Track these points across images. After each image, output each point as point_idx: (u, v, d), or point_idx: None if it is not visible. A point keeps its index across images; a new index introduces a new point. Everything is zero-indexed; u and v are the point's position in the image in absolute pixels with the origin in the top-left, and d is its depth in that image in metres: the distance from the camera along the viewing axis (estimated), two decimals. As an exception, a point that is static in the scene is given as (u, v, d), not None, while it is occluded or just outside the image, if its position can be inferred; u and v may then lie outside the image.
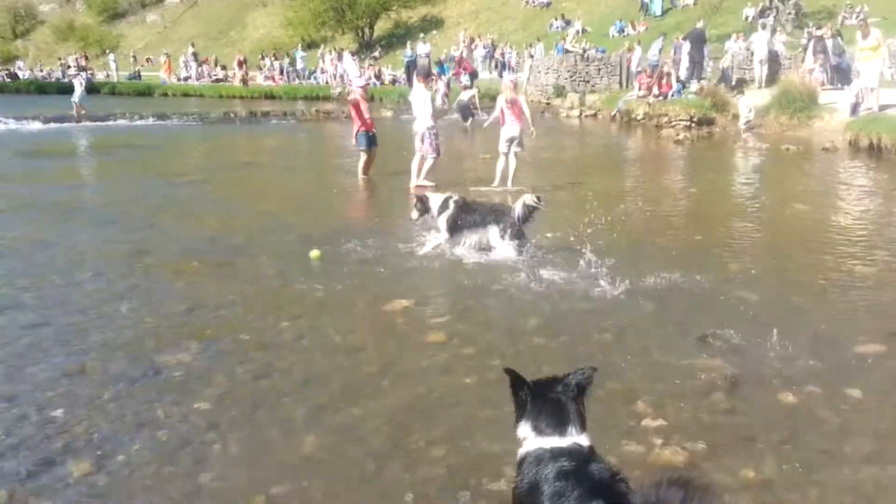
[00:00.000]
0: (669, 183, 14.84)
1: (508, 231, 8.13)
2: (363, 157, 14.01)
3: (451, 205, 8.33)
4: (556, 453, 2.63)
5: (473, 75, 30.85)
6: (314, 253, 7.92)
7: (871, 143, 17.81)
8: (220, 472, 4.02)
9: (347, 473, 4.02)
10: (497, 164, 12.82)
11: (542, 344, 5.84)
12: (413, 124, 13.32)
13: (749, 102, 21.83)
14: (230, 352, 5.67)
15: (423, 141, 12.98)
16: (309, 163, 18.22)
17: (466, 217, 8.32)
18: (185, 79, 43.12)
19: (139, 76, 45.28)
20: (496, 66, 37.78)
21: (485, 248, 8.34)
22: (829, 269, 7.93)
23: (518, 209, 8.19)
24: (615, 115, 27.54)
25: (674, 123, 24.32)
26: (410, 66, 34.48)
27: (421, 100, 13.14)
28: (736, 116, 22.96)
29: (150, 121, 26.01)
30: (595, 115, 29.16)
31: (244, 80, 39.67)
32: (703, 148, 20.34)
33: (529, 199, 8.20)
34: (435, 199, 8.49)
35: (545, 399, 2.77)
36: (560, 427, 2.70)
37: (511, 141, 12.54)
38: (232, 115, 28.32)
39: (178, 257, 8.35)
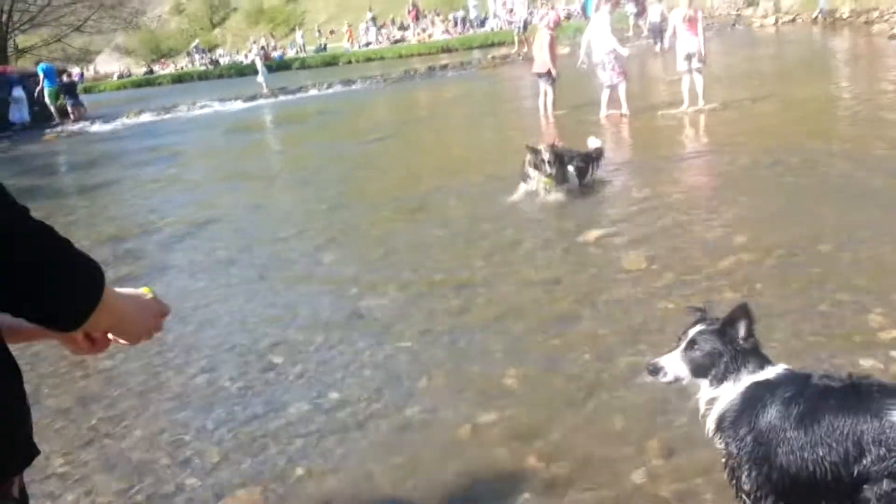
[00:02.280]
0: (882, 88, 13.14)
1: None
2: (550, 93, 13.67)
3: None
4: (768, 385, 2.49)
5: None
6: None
7: None
8: (426, 405, 4.07)
9: (552, 401, 3.92)
10: (682, 85, 12.04)
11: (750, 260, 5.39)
12: (592, 53, 12.66)
13: None
14: (427, 293, 5.74)
15: (604, 69, 12.38)
16: (489, 108, 18.13)
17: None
18: (367, 44, 44.53)
19: (325, 48, 47.36)
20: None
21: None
22: None
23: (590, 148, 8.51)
24: (816, 17, 24.92)
25: (887, 17, 21.60)
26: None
27: (600, 25, 12.47)
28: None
29: (338, 87, 27.11)
30: (793, 20, 26.60)
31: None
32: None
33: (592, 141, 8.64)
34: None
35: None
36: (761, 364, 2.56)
37: (690, 57, 11.71)
38: (412, 72, 28.84)
39: (371, 209, 8.63)
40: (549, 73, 13.42)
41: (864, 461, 2.24)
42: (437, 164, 10.96)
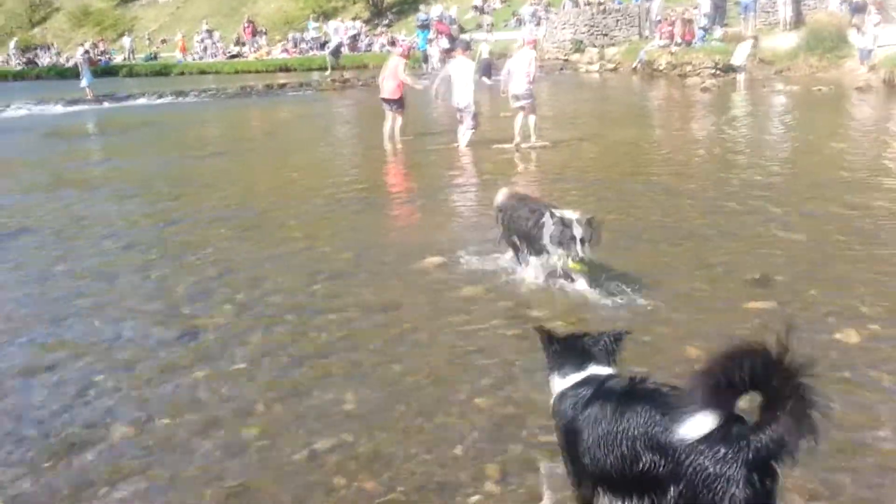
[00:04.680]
0: (700, 131, 14.47)
1: None
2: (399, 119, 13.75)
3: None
4: (577, 385, 2.72)
5: (451, 38, 30.22)
6: None
7: (905, 80, 17.27)
8: (262, 430, 3.94)
9: (392, 427, 3.92)
10: (515, 122, 12.56)
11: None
12: (454, 99, 12.67)
13: (743, 48, 21.26)
14: (264, 314, 5.58)
15: (467, 117, 12.56)
16: (329, 130, 18.04)
17: None
18: (201, 57, 42.95)
19: (156, 57, 45.16)
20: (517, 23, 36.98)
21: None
22: (880, 209, 7.66)
23: None
24: (636, 66, 26.93)
25: (698, 71, 23.75)
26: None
27: (464, 72, 12.56)
28: (763, 61, 22.42)
29: (169, 98, 25.97)
30: (616, 69, 28.54)
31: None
32: (730, 94, 19.85)
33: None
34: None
35: (570, 348, 2.86)
36: (580, 366, 2.78)
37: (517, 98, 12.26)
38: (249, 89, 28.16)
39: (205, 225, 8.29)
40: (396, 100, 13.52)
41: (641, 464, 2.33)
42: (276, 184, 10.73)
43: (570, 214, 5.50)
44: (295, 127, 18.80)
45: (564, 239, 5.41)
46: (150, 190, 10.70)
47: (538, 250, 5.70)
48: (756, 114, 16.71)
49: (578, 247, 5.37)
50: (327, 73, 30.36)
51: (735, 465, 2.13)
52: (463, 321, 5.24)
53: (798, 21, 24.51)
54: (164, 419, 4.10)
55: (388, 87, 13.62)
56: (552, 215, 5.51)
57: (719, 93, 20.12)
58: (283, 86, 28.77)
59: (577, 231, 5.36)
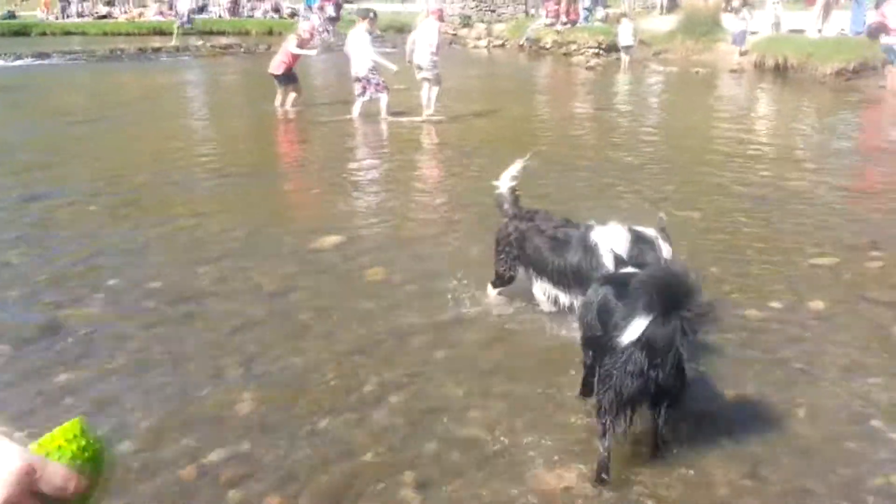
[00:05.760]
0: (589, 109, 14.57)
1: None
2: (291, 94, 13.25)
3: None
4: None
5: (338, 7, 29.67)
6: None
7: (776, 63, 18.06)
8: (143, 441, 3.44)
9: (293, 431, 3.51)
10: (422, 94, 12.28)
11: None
12: (352, 67, 12.20)
13: (627, 28, 21.75)
14: (142, 303, 4.98)
15: (368, 86, 12.05)
16: (211, 98, 17.02)
17: None
18: (67, 16, 39.82)
19: (14, 16, 41.51)
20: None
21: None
22: (761, 184, 7.83)
23: None
24: (523, 44, 27.07)
25: (583, 51, 24.12)
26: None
27: (361, 42, 12.10)
28: (642, 43, 22.95)
29: (29, 60, 23.80)
30: (503, 45, 28.63)
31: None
32: (614, 74, 20.22)
33: None
34: None
35: None
36: None
37: (420, 69, 12.01)
38: (119, 52, 26.23)
39: (74, 201, 7.46)
40: (281, 75, 13.02)
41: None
42: (155, 155, 9.86)
43: (647, 229, 3.98)
44: (174, 94, 17.58)
45: (648, 261, 3.82)
46: (11, 160, 9.60)
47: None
48: (639, 93, 17.05)
49: None
50: (173, 42, 28.22)
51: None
52: (369, 307, 4.87)
53: (673, 5, 25.34)
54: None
55: (274, 61, 13.16)
56: (630, 232, 4.01)
57: (603, 72, 20.48)
58: (157, 50, 27.00)
59: (666, 249, 3.92)
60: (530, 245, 4.39)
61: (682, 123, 12.52)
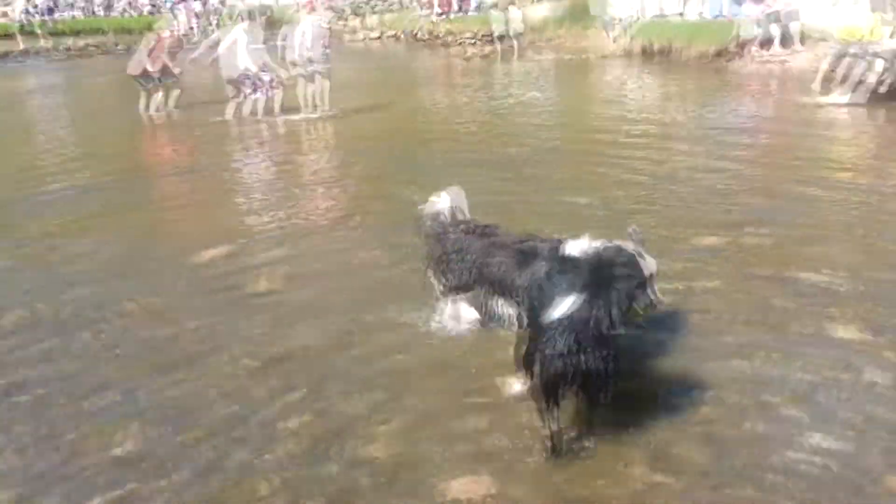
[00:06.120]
0: (475, 99, 14.53)
1: None
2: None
3: None
4: None
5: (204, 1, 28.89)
6: None
7: (650, 46, 18.65)
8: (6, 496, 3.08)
9: (181, 468, 3.22)
10: (308, 91, 11.91)
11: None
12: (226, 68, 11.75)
13: (500, 16, 22.07)
14: None
15: (260, 85, 11.64)
16: (74, 105, 15.96)
17: None
18: None
19: None
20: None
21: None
22: (645, 166, 8.00)
23: None
24: (416, 34, 26.89)
25: (461, 41, 24.19)
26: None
27: (240, 42, 11.58)
28: (530, 29, 23.23)
29: None
30: (380, 37, 28.38)
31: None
32: (498, 63, 20.38)
33: None
34: None
35: None
36: None
37: (311, 62, 11.65)
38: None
39: None
40: (140, 75, 12.41)
41: None
42: (8, 169, 9.09)
43: (629, 245, 3.44)
44: (29, 101, 16.41)
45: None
46: None
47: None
48: (523, 81, 17.20)
49: (655, 289, 3.42)
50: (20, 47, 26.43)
51: None
52: (261, 322, 4.59)
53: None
54: None
55: (132, 62, 12.58)
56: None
57: (486, 61, 20.60)
58: (5, 55, 25.12)
59: (651, 265, 3.43)
60: (490, 259, 3.72)
61: (566, 110, 12.71)
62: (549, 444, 3.14)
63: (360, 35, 28.72)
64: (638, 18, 19.81)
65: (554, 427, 3.13)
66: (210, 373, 4.02)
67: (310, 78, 11.72)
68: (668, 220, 6.15)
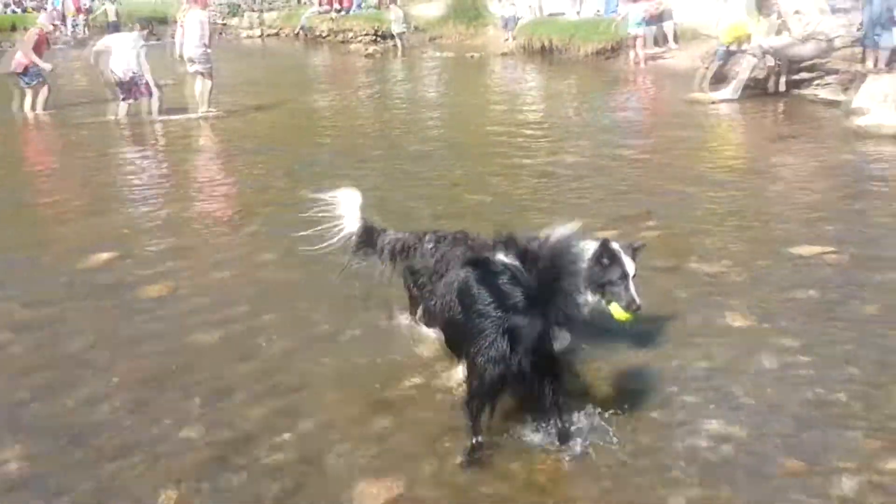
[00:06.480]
0: (371, 96, 14.49)
1: None
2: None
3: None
4: None
5: None
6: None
7: (542, 45, 19.02)
8: None
9: (77, 486, 3.02)
10: (195, 89, 11.59)
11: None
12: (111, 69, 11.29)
13: (397, 14, 22.22)
14: None
15: (135, 89, 11.21)
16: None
17: None
18: None
19: None
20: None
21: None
22: (542, 162, 8.14)
23: None
24: (298, 32, 26.54)
25: (360, 38, 24.05)
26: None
27: (126, 46, 11.23)
28: (417, 28, 23.31)
29: None
30: (277, 34, 27.88)
31: None
32: (392, 60, 20.32)
33: None
34: None
35: None
36: None
37: (192, 62, 11.35)
38: None
39: None
40: (22, 73, 11.79)
41: None
42: None
43: (614, 243, 3.66)
44: None
45: (611, 278, 3.61)
46: None
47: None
48: (420, 78, 17.27)
49: (633, 289, 3.60)
50: None
51: None
52: (153, 330, 4.38)
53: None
54: None
55: (10, 59, 11.99)
56: (605, 247, 3.61)
57: (382, 59, 20.55)
58: None
59: (629, 265, 3.62)
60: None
61: (463, 107, 12.79)
62: (468, 454, 3.09)
63: (257, 31, 28.12)
64: (534, 17, 20.22)
65: (480, 438, 3.08)
66: (100, 383, 3.79)
67: (193, 77, 11.39)
68: (563, 216, 6.24)
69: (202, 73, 11.32)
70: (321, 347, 4.11)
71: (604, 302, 3.64)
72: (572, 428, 3.17)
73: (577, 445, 3.12)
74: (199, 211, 6.89)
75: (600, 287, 3.62)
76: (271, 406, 3.57)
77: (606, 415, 3.33)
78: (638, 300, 3.57)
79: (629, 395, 3.56)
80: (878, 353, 3.90)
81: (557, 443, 3.14)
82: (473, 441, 3.09)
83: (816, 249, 5.29)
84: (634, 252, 3.70)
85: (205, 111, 11.41)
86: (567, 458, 3.10)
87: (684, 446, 3.20)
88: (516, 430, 3.24)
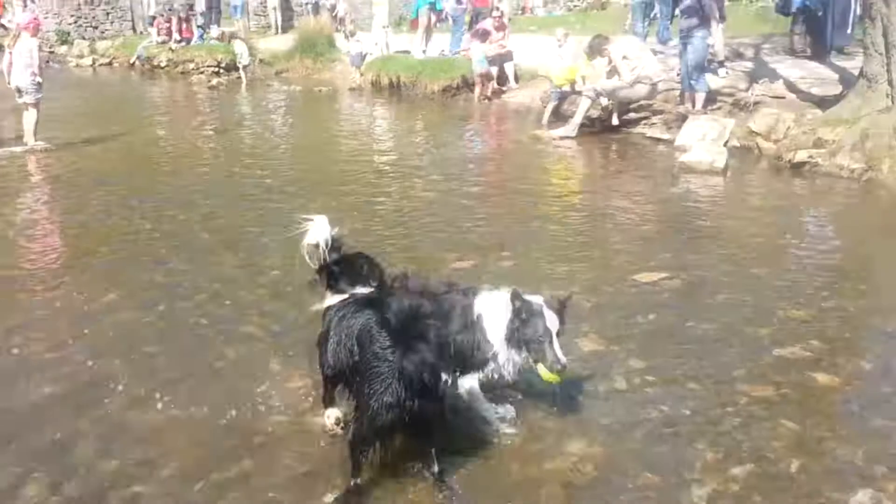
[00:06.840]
0: (214, 129, 13.99)
1: None
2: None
3: None
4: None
5: None
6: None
7: (390, 81, 19.27)
8: None
9: None
10: (24, 120, 10.80)
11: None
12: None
13: (241, 48, 22.09)
14: None
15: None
16: None
17: None
18: None
19: None
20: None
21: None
22: (395, 197, 8.24)
23: None
24: (135, 62, 25.40)
25: (202, 69, 23.37)
26: None
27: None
28: (262, 62, 23.01)
29: None
30: (111, 64, 26.55)
31: None
32: (237, 93, 19.89)
33: None
34: None
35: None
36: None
37: (20, 92, 10.62)
38: None
39: None
40: None
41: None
42: None
43: (534, 297, 3.52)
44: None
45: (532, 336, 3.42)
46: None
47: (476, 364, 3.58)
48: (267, 111, 16.99)
49: (557, 347, 3.41)
50: None
51: None
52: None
53: (288, 25, 25.87)
54: None
55: None
56: (514, 300, 3.45)
57: (227, 91, 20.02)
58: None
59: (552, 321, 3.43)
60: None
61: (312, 141, 12.67)
62: (343, 496, 3.08)
63: (89, 60, 26.62)
64: (382, 53, 20.48)
65: (363, 478, 3.09)
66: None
67: (24, 108, 10.69)
68: (417, 248, 6.38)
69: (30, 104, 10.57)
70: (171, 392, 3.93)
71: (531, 361, 3.47)
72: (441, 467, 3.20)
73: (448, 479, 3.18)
74: (24, 254, 6.38)
75: (524, 344, 3.45)
76: (125, 458, 3.38)
77: (475, 447, 3.41)
78: (563, 359, 3.38)
79: (494, 424, 3.64)
80: (715, 369, 4.25)
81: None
82: (352, 483, 3.08)
83: (654, 276, 5.68)
84: (561, 306, 3.51)
85: (33, 144, 10.63)
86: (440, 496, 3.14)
87: (548, 469, 3.34)
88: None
